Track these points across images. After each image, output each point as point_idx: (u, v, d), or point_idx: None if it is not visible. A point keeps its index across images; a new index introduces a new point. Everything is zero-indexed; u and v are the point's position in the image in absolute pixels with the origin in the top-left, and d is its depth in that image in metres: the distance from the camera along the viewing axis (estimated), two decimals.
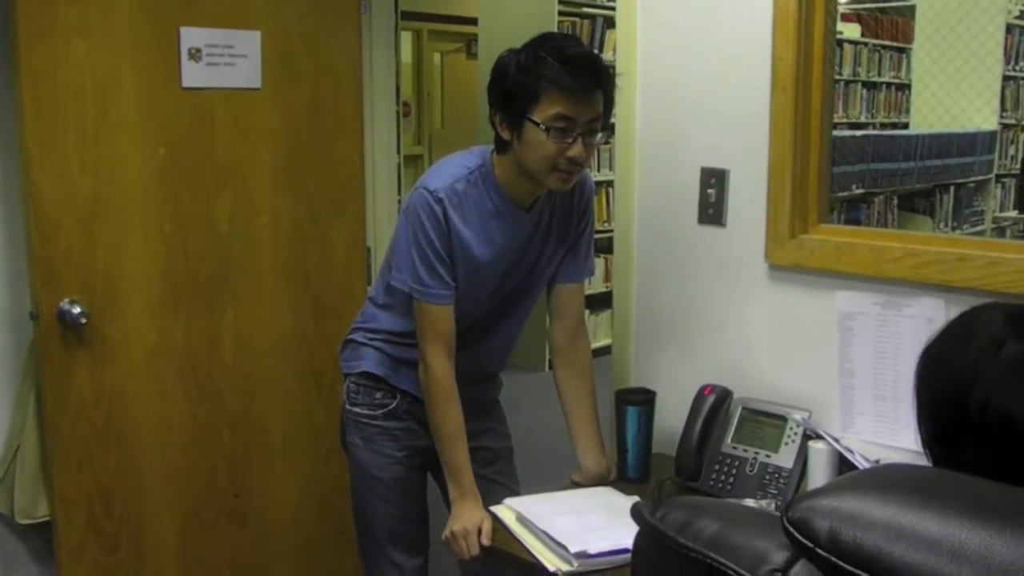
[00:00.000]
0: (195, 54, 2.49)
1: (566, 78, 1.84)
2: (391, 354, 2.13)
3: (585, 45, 2.01)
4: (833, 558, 0.79)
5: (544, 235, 2.08)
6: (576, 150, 1.88)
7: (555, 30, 5.93)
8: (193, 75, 2.49)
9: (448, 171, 2.00)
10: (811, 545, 0.81)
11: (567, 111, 1.86)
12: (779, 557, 0.84)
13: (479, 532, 1.93)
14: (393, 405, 2.14)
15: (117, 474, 2.47)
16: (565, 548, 1.75)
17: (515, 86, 1.89)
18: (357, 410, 2.17)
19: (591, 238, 2.16)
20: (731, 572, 0.85)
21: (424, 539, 2.25)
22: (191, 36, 2.48)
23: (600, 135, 1.91)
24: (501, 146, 1.97)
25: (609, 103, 1.93)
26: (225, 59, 2.54)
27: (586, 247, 2.15)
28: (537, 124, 1.86)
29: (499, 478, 2.24)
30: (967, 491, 0.84)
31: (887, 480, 0.87)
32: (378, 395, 2.14)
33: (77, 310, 2.34)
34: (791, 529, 0.83)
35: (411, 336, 2.06)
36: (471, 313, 2.06)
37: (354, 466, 2.21)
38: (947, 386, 0.99)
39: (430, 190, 1.96)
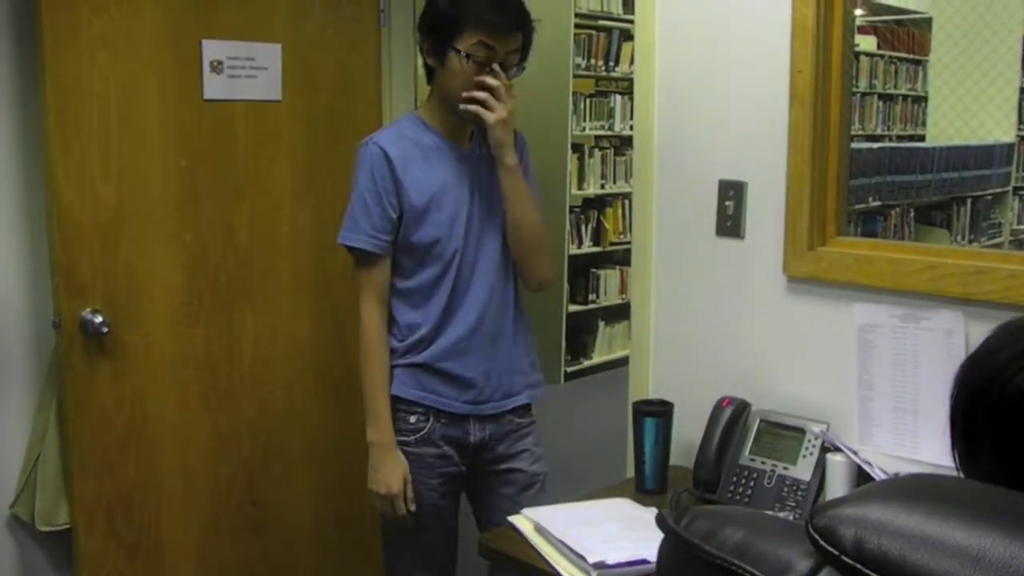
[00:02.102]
0: (217, 66, 2.52)
1: (490, 16, 2.02)
2: (412, 362, 2.15)
3: None
4: (858, 565, 0.80)
5: (491, 175, 2.14)
6: (492, 79, 2.03)
7: (571, 41, 5.96)
8: (215, 87, 2.52)
9: (383, 128, 2.23)
10: (836, 553, 0.81)
11: (488, 40, 2.02)
12: (804, 565, 0.85)
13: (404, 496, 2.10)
14: (427, 429, 2.16)
15: (137, 482, 2.49)
16: (583, 559, 1.75)
17: (443, 17, 2.04)
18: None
19: (532, 177, 2.25)
20: None
21: (453, 563, 2.26)
22: (213, 49, 2.51)
23: (515, 69, 2.08)
24: (428, 74, 2.14)
25: (527, 43, 2.09)
26: (246, 71, 2.57)
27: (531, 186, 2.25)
28: (459, 52, 2.02)
29: (533, 505, 2.23)
30: (993, 501, 0.84)
31: (913, 489, 0.87)
32: (412, 419, 2.15)
33: (99, 319, 2.36)
34: (816, 536, 0.83)
35: (416, 327, 2.13)
36: (452, 268, 2.11)
37: None
38: (982, 381, 0.99)
39: (364, 142, 2.15)
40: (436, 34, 2.06)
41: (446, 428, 2.16)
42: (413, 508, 2.12)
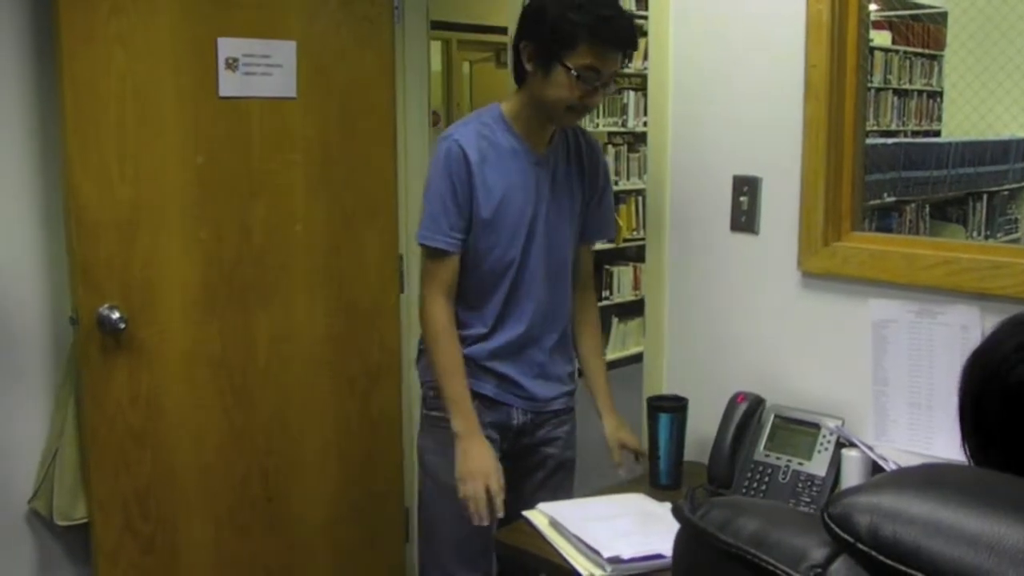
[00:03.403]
0: (232, 64, 2.53)
1: (604, 36, 1.99)
2: (463, 354, 2.16)
3: (619, 3, 2.11)
4: (873, 552, 0.80)
5: (564, 181, 2.17)
6: (596, 97, 2.05)
7: None
8: (230, 84, 2.53)
9: (463, 122, 2.17)
10: (851, 540, 0.82)
11: (597, 64, 2.01)
12: (819, 554, 0.85)
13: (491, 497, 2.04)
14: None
15: (153, 477, 2.50)
16: (598, 553, 1.76)
17: (554, 29, 2.00)
18: (436, 414, 2.19)
19: (611, 199, 2.31)
20: (772, 568, 0.86)
21: (489, 559, 2.22)
22: (228, 46, 2.52)
23: (612, 86, 2.10)
24: (520, 76, 2.10)
25: (626, 58, 2.09)
26: (261, 69, 2.58)
27: (607, 207, 2.29)
28: (569, 69, 2.00)
29: (557, 491, 2.26)
30: (1006, 489, 0.84)
31: (927, 478, 0.88)
32: None
33: (116, 315, 2.37)
34: (831, 524, 0.84)
35: (468, 325, 2.14)
36: (508, 273, 2.12)
37: (425, 473, 2.24)
38: (987, 373, 1.00)
39: (445, 137, 2.11)
40: (544, 44, 2.02)
41: (490, 412, 2.17)
42: (501, 514, 2.05)
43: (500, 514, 2.03)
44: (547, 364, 2.22)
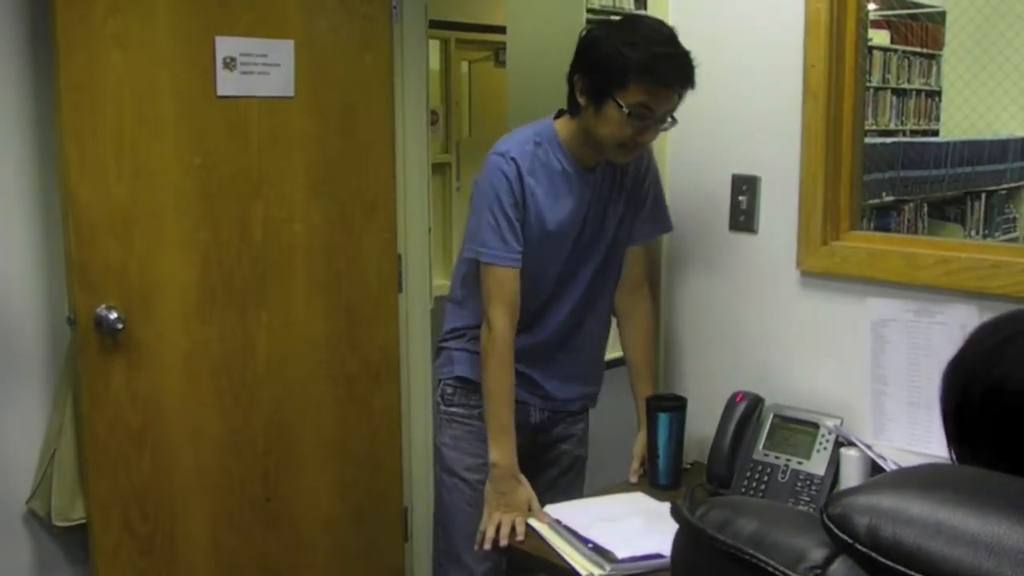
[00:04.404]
0: (230, 63, 2.52)
1: (658, 74, 1.93)
2: (479, 351, 2.15)
3: (677, 39, 2.00)
4: (872, 553, 0.80)
5: (607, 197, 2.15)
6: (648, 136, 2.02)
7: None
8: (228, 84, 2.53)
9: (515, 136, 2.11)
10: (850, 541, 0.82)
11: (650, 103, 1.95)
12: (818, 554, 0.85)
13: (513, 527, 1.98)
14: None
15: (152, 477, 2.50)
16: (598, 552, 1.76)
17: (606, 64, 1.95)
18: (453, 410, 2.21)
19: (659, 195, 2.24)
20: (771, 569, 0.86)
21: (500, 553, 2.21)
22: (226, 45, 2.51)
23: (669, 122, 2.02)
24: (573, 108, 2.06)
25: (682, 97, 2.01)
26: (259, 68, 2.57)
27: (652, 205, 2.22)
28: (620, 106, 1.95)
29: (569, 489, 2.27)
30: (1005, 489, 0.84)
31: (926, 478, 0.87)
32: (474, 397, 2.17)
33: (114, 316, 2.37)
34: (830, 525, 0.84)
35: None
36: (545, 286, 2.12)
37: (441, 467, 2.25)
38: (969, 372, 1.00)
39: (500, 153, 2.06)
40: (595, 78, 1.98)
41: None
42: (521, 538, 1.99)
43: (520, 538, 1.97)
44: (569, 366, 2.23)
